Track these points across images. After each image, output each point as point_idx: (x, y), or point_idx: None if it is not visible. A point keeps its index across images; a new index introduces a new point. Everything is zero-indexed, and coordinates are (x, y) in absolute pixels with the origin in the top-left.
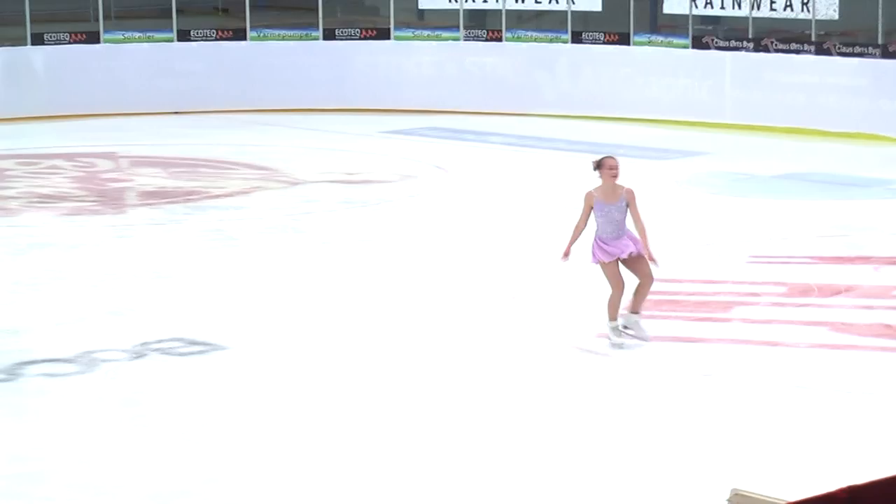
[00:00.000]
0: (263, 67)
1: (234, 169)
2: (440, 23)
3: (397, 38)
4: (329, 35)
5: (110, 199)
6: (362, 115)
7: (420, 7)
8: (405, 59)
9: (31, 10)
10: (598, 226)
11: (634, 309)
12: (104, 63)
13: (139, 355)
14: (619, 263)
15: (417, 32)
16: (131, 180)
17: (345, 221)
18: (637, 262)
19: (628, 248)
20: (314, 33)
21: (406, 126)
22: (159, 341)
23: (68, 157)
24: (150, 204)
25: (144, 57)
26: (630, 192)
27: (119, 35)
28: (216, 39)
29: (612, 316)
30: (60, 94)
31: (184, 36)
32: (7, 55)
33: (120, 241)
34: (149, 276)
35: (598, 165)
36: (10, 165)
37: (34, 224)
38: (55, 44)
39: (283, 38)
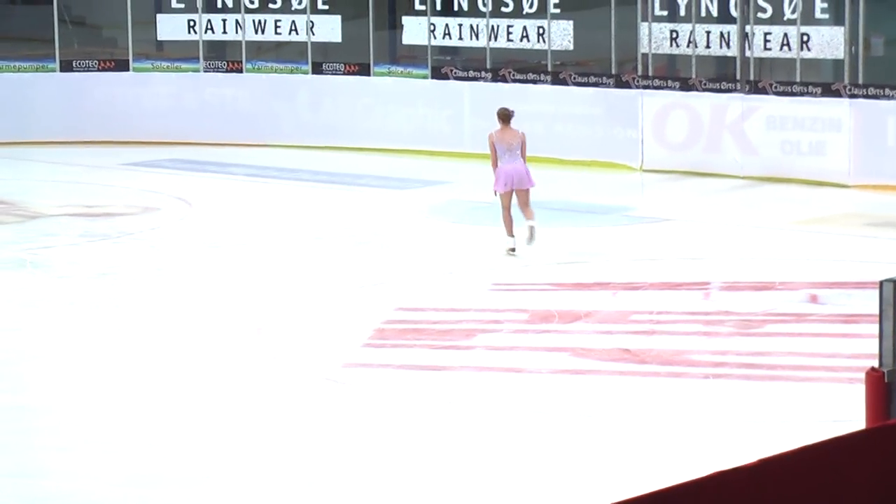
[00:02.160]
0: None
1: None
2: (180, 54)
3: (136, 70)
4: (66, 67)
5: None
6: (101, 147)
7: (159, 38)
8: (144, 91)
9: None
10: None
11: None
12: None
13: None
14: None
15: (157, 63)
16: None
17: (86, 255)
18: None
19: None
20: (51, 65)
21: (146, 158)
22: None
23: None
24: None
25: None
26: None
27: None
28: None
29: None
30: None
31: None
32: None
33: None
34: None
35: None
36: None
37: None
38: None
39: (19, 70)
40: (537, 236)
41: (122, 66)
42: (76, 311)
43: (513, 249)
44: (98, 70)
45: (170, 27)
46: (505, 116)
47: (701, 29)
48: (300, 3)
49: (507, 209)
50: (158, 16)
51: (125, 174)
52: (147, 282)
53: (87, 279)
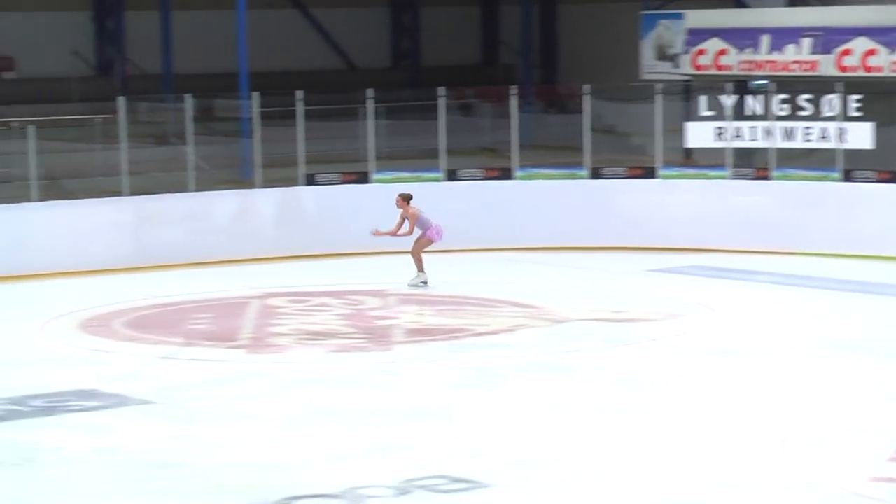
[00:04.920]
0: (529, 206)
1: (498, 307)
2: (707, 161)
3: (663, 177)
4: (595, 174)
5: (377, 337)
6: (627, 254)
7: (687, 146)
8: (671, 198)
9: (305, 152)
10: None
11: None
12: (374, 202)
13: (404, 492)
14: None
15: (684, 171)
16: (398, 318)
17: (610, 360)
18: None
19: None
20: (580, 172)
21: (671, 264)
22: (424, 478)
23: (337, 294)
24: (415, 341)
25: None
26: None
27: (388, 175)
28: (483, 179)
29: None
30: (330, 232)
31: (452, 175)
32: (279, 195)
33: (385, 377)
34: (413, 412)
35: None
36: (281, 303)
37: (303, 360)
38: (327, 184)
39: (549, 177)
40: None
41: (650, 173)
42: (601, 416)
43: (425, 283)
44: (626, 177)
45: (698, 135)
46: (408, 197)
47: None
48: (831, 111)
49: (418, 251)
50: (687, 124)
51: (650, 280)
52: (670, 388)
53: (611, 384)
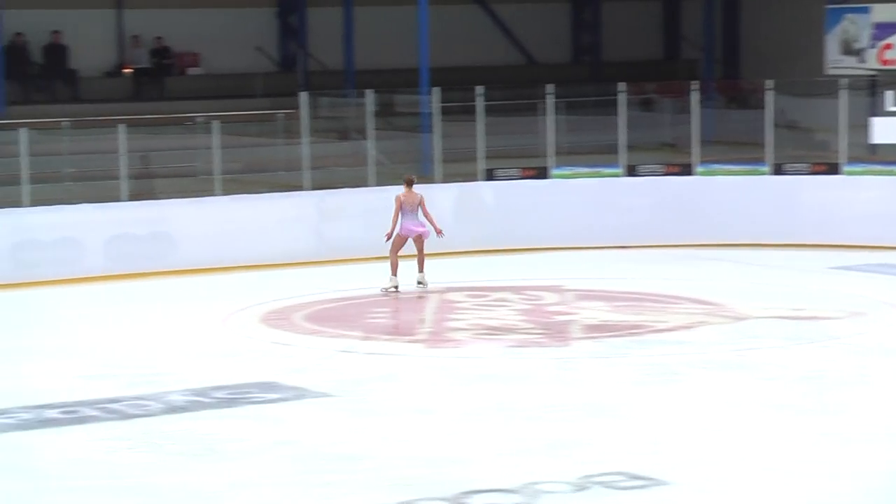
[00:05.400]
0: (709, 202)
1: (677, 303)
2: (893, 157)
3: (847, 173)
4: (777, 170)
5: (555, 332)
6: (808, 251)
7: (872, 141)
8: (855, 194)
9: (485, 147)
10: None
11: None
12: (552, 198)
13: (581, 488)
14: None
15: (868, 167)
16: (576, 313)
17: (791, 358)
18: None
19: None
20: (762, 168)
21: (854, 262)
22: (602, 474)
23: (515, 289)
24: (593, 337)
25: (591, 192)
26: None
27: (568, 171)
28: (663, 175)
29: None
30: (509, 227)
31: (631, 171)
32: (459, 190)
33: (563, 373)
34: (591, 408)
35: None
36: (460, 298)
37: (481, 355)
38: (506, 179)
39: (730, 174)
40: (425, 285)
41: (833, 169)
42: (781, 414)
43: (395, 288)
44: (809, 174)
45: (884, 130)
46: (409, 182)
47: None
48: None
49: (394, 252)
50: (872, 119)
51: (833, 278)
52: (851, 388)
53: (792, 382)
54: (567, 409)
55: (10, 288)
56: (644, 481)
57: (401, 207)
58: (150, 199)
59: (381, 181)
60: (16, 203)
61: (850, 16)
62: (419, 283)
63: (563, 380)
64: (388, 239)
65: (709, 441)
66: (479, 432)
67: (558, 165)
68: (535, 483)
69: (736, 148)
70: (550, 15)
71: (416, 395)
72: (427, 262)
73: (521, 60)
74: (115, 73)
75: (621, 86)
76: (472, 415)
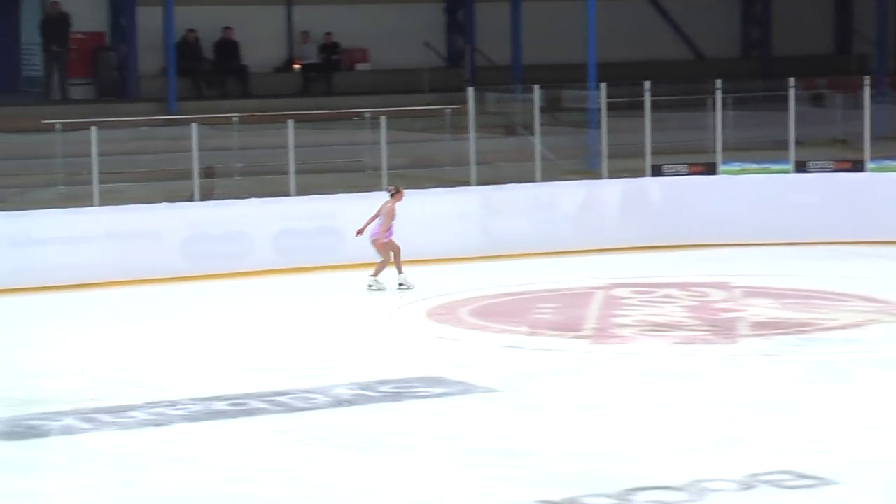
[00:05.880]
0: (881, 199)
1: (847, 301)
2: None
3: None
4: None
5: (722, 329)
6: None
7: None
8: None
9: (651, 143)
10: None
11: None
12: (720, 194)
13: (748, 486)
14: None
15: None
16: (743, 310)
17: None
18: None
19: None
20: None
21: None
22: (769, 473)
23: (682, 286)
24: (761, 335)
25: (760, 188)
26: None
27: (736, 166)
28: (833, 171)
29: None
30: (676, 224)
31: (801, 167)
32: (625, 186)
33: (730, 370)
34: (758, 406)
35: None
36: (626, 294)
37: (646, 352)
38: (673, 175)
39: None
40: (374, 289)
41: None
42: None
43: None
44: None
45: None
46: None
47: None
48: None
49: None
50: None
51: None
52: None
53: None
54: (734, 407)
55: (181, 281)
56: (812, 480)
57: (383, 214)
58: (318, 194)
59: (547, 177)
60: (187, 197)
61: None
62: (400, 284)
63: (729, 377)
64: (359, 234)
65: (879, 441)
66: (645, 429)
67: (726, 161)
68: (701, 481)
69: None
70: (719, 9)
71: (581, 391)
72: (592, 256)
73: (689, 55)
74: (284, 68)
75: (791, 81)
76: (638, 411)
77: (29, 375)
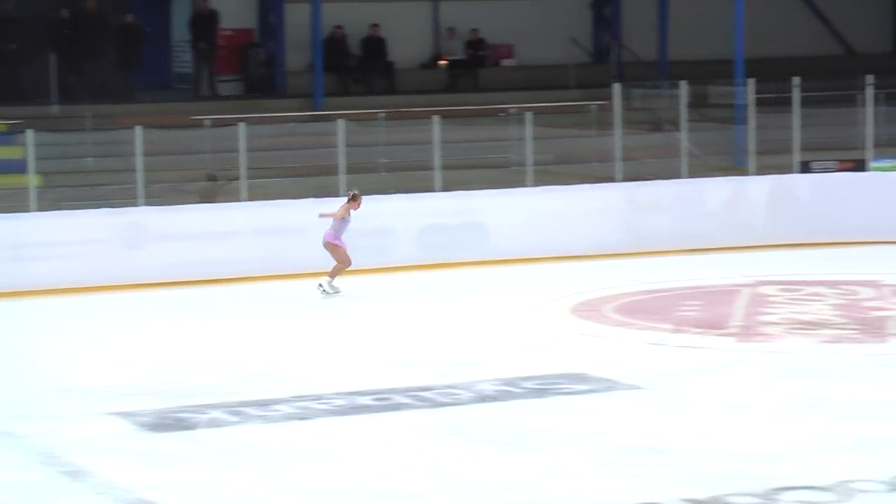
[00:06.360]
0: None
1: None
2: None
3: None
4: None
5: (871, 328)
6: None
7: None
8: None
9: (801, 139)
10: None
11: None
12: (870, 191)
13: None
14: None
15: None
16: (893, 309)
17: None
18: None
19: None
20: None
21: None
22: None
23: (830, 284)
24: None
25: None
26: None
27: (886, 163)
28: None
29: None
30: (824, 221)
31: None
32: (772, 183)
33: (879, 370)
34: None
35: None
36: (773, 291)
37: (793, 350)
38: (822, 171)
39: None
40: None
41: None
42: None
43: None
44: None
45: None
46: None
47: None
48: None
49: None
50: None
51: None
52: None
53: None
54: (881, 407)
55: (325, 276)
56: None
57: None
58: (463, 190)
59: (694, 173)
60: (333, 192)
61: None
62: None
63: (878, 377)
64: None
65: None
66: (791, 428)
67: (876, 158)
68: (849, 481)
69: None
70: (870, 4)
71: (726, 389)
72: (738, 253)
73: (839, 50)
74: (430, 64)
75: None
76: (784, 410)
77: (177, 368)
